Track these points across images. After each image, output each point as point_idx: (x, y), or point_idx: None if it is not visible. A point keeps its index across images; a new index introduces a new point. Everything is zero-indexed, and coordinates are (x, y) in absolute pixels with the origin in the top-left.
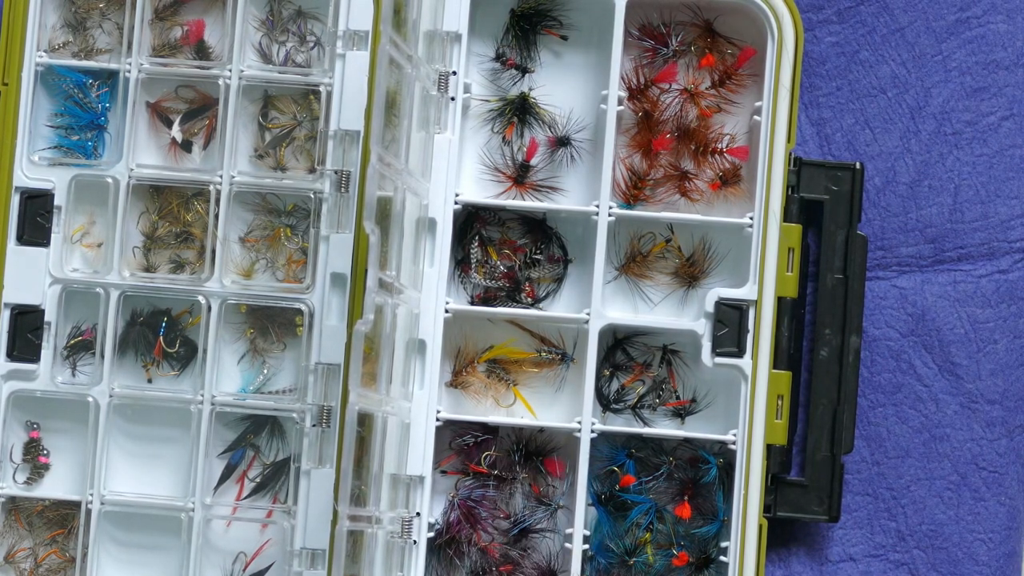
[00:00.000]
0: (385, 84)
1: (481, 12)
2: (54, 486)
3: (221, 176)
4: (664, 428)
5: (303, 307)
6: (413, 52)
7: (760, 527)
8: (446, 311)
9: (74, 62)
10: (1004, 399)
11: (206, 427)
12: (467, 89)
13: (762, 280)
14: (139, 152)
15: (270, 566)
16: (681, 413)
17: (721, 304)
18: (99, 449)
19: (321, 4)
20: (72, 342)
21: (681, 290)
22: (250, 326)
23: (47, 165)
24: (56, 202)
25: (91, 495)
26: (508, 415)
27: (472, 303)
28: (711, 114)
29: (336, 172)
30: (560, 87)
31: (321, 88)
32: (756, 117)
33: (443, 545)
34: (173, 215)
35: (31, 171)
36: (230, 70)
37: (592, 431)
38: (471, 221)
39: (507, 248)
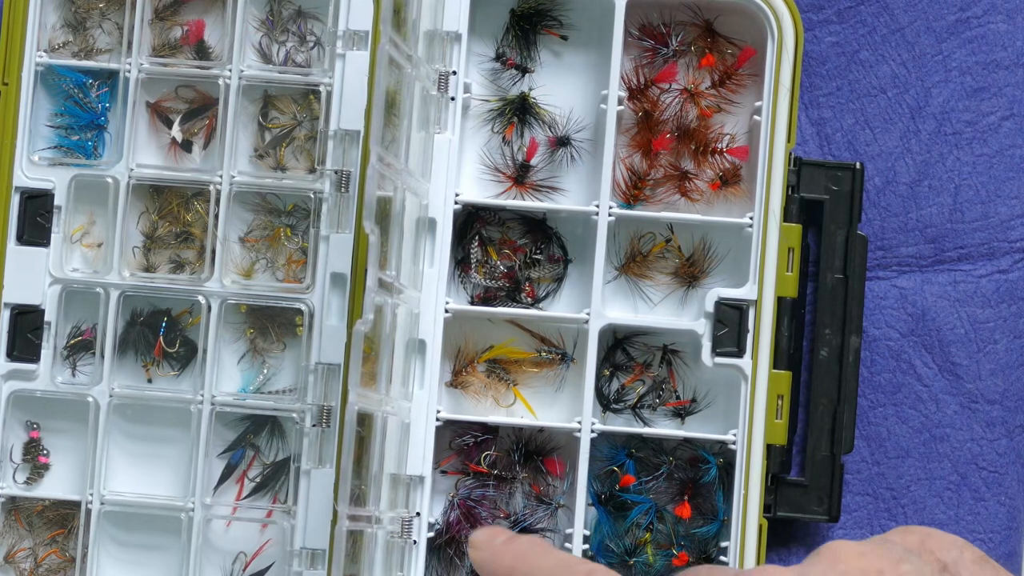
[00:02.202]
0: (385, 84)
1: (481, 12)
2: (54, 486)
3: (221, 176)
4: (664, 428)
5: (303, 307)
6: (413, 52)
7: (760, 527)
8: (446, 311)
9: (74, 62)
10: (1004, 399)
11: (206, 427)
12: (467, 89)
13: (762, 280)
14: (139, 152)
15: (270, 566)
16: (681, 413)
17: (721, 304)
18: (99, 449)
19: (321, 4)
20: (72, 342)
21: (681, 290)
22: (250, 326)
23: (47, 165)
24: (56, 202)
25: (91, 495)
26: (508, 415)
27: (472, 303)
28: (711, 114)
29: (336, 172)
30: (560, 87)
31: (321, 88)
32: (756, 117)
33: (443, 545)
34: (173, 215)
35: (31, 171)
36: (230, 70)
37: (592, 431)
38: (471, 221)
39: (507, 248)
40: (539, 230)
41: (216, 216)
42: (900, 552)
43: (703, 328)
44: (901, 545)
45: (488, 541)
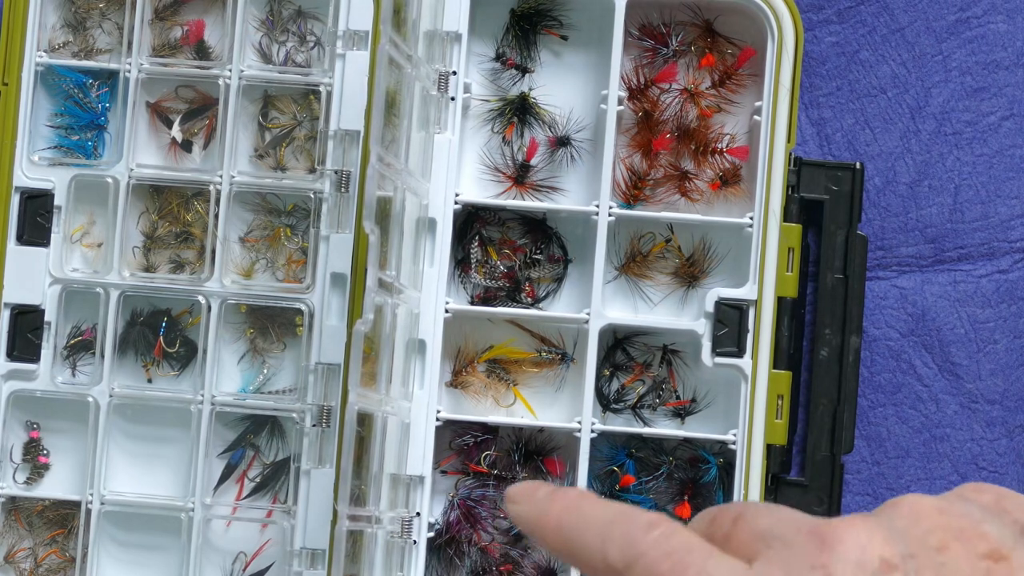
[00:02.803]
0: (385, 84)
1: (481, 12)
2: (54, 486)
3: (221, 176)
4: (664, 428)
5: (303, 307)
6: (413, 52)
7: None
8: (446, 311)
9: (74, 62)
10: (1004, 399)
11: (206, 427)
12: (467, 89)
13: (762, 280)
14: (139, 152)
15: (270, 566)
16: (681, 413)
17: (721, 304)
18: (99, 449)
19: (321, 4)
20: (72, 342)
21: (681, 290)
22: (250, 326)
23: (47, 165)
24: (56, 202)
25: (91, 495)
26: (508, 415)
27: (472, 303)
28: (711, 114)
29: (336, 172)
30: (560, 87)
31: (321, 88)
32: (756, 117)
33: (443, 545)
34: (173, 215)
35: (31, 171)
36: (230, 70)
37: (592, 431)
38: (471, 221)
39: (507, 248)
40: (539, 230)
41: (216, 216)
42: (979, 512)
43: (703, 328)
44: (978, 504)
45: (529, 494)
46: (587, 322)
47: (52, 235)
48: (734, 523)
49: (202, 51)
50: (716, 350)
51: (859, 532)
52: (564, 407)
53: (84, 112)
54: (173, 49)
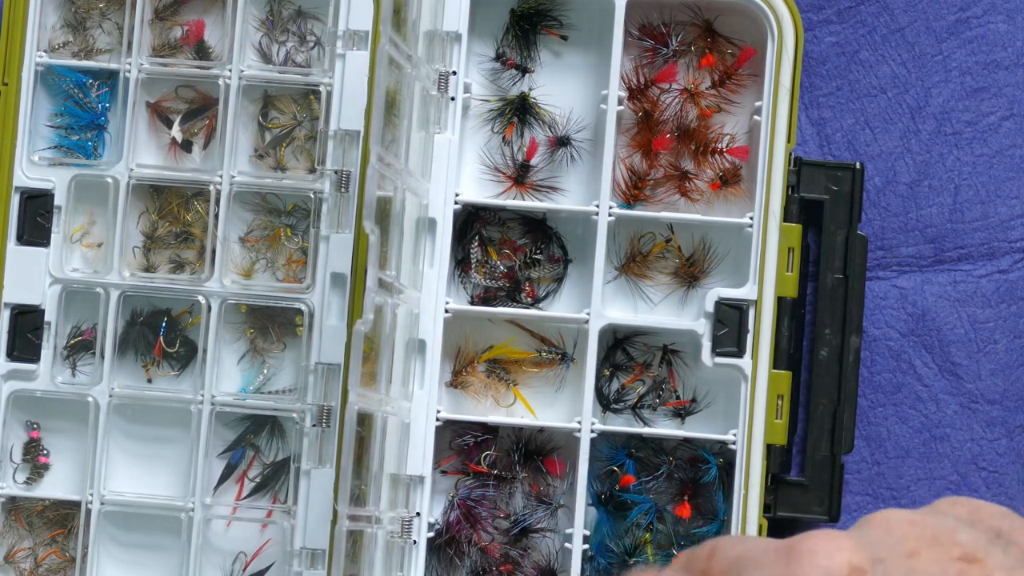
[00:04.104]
0: (385, 84)
1: (481, 12)
2: (54, 486)
3: (221, 176)
4: (664, 428)
5: (303, 307)
6: (413, 52)
7: (760, 527)
8: (446, 311)
9: (74, 62)
10: (1004, 399)
11: (206, 427)
12: (467, 89)
13: (762, 280)
14: (139, 152)
15: (270, 566)
16: (681, 413)
17: (721, 304)
18: (99, 449)
19: (321, 4)
20: (72, 342)
21: (681, 290)
22: (250, 326)
23: (47, 165)
24: (56, 202)
25: (91, 495)
26: (508, 415)
27: (472, 303)
28: (711, 114)
29: (336, 172)
30: (560, 87)
31: (321, 88)
32: (756, 117)
33: (443, 545)
34: (173, 215)
35: (31, 171)
36: (230, 70)
37: (592, 431)
38: (471, 221)
39: (507, 248)
40: (539, 230)
41: (216, 216)
42: (953, 522)
43: (703, 328)
44: (952, 515)
45: None
46: (587, 322)
47: (52, 235)
48: (709, 558)
49: (202, 51)
50: (716, 350)
51: (827, 542)
52: (564, 407)
53: (84, 112)
54: (173, 49)
